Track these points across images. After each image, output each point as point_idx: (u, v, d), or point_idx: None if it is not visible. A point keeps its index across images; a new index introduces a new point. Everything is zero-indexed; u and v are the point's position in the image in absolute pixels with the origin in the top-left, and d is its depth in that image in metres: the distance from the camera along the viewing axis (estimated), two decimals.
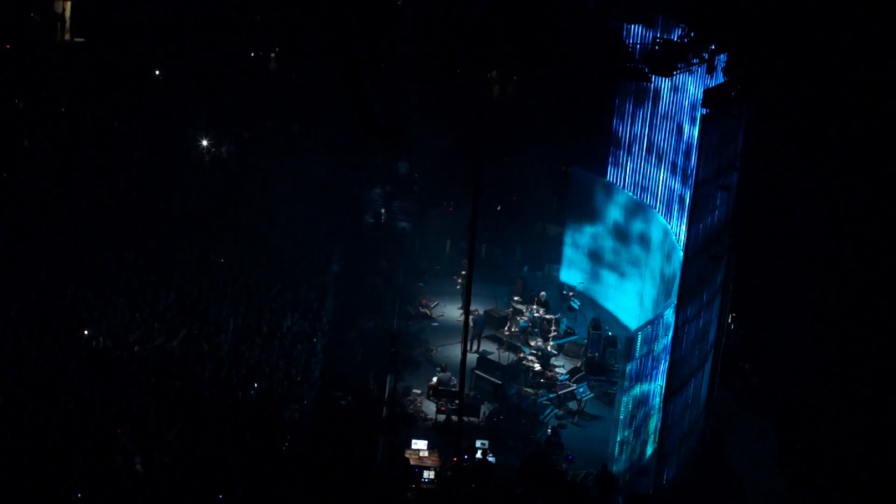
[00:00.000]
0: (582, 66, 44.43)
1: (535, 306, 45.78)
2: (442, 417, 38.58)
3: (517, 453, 37.18)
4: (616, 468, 35.45)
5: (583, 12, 40.55)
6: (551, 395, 40.48)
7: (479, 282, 39.91)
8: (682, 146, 39.84)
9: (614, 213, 46.45)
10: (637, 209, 44.52)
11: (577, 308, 47.17)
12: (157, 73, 55.92)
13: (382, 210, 52.94)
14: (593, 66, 43.58)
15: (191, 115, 54.32)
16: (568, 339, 44.78)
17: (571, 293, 47.80)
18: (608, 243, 47.14)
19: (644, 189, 44.06)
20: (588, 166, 48.24)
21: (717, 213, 36.03)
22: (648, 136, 43.52)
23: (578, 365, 42.78)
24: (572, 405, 40.44)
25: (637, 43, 41.45)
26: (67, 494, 30.30)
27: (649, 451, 37.00)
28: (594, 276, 48.34)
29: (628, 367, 35.22)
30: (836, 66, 35.27)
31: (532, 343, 43.59)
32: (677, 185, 40.25)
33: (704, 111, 33.74)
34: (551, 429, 37.98)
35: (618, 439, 35.61)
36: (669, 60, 34.92)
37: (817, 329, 38.20)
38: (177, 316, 39.88)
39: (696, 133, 35.90)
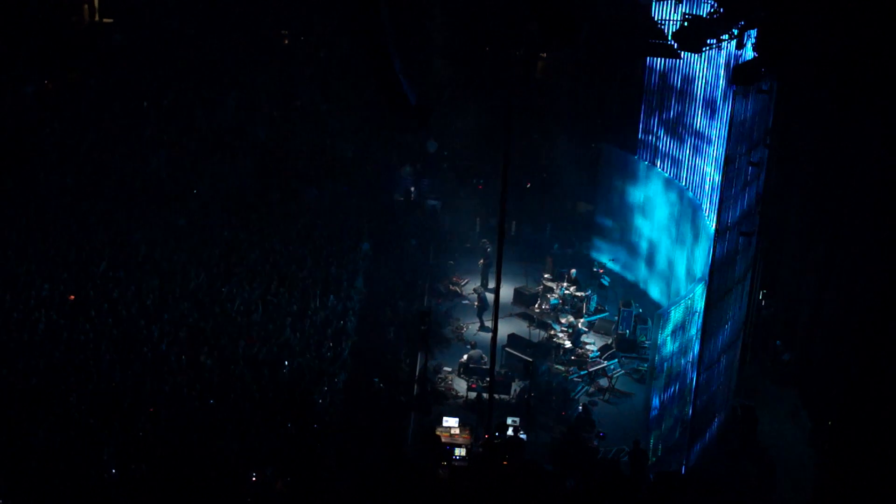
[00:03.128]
0: (611, 42, 44.28)
1: (565, 283, 45.77)
2: (473, 395, 38.67)
3: (548, 430, 37.29)
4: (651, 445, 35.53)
5: None
6: (582, 373, 40.54)
7: (509, 259, 39.95)
8: (713, 122, 39.71)
9: (644, 190, 46.34)
10: (667, 186, 44.40)
11: (607, 285, 47.11)
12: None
13: (412, 188, 52.95)
14: (622, 42, 43.44)
15: (220, 95, 54.39)
16: (598, 316, 44.80)
17: (602, 270, 47.73)
18: (638, 220, 47.04)
19: (674, 165, 43.93)
20: (618, 143, 48.12)
21: (747, 189, 35.94)
22: (678, 113, 43.37)
23: (609, 342, 42.79)
24: (603, 382, 40.49)
25: (666, 19, 41.30)
26: (100, 472, 30.48)
27: (680, 428, 37.01)
28: (624, 253, 48.26)
29: (659, 345, 35.19)
30: (866, 40, 35.07)
31: (562, 320, 43.58)
32: (707, 162, 40.14)
33: (734, 87, 33.62)
34: (582, 406, 38.02)
35: (651, 416, 35.62)
36: (699, 37, 34.77)
37: (849, 305, 38.06)
38: (207, 295, 40.03)
39: (726, 109, 35.77)
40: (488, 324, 43.44)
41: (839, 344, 38.51)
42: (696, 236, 40.41)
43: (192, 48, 56.15)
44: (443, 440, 35.25)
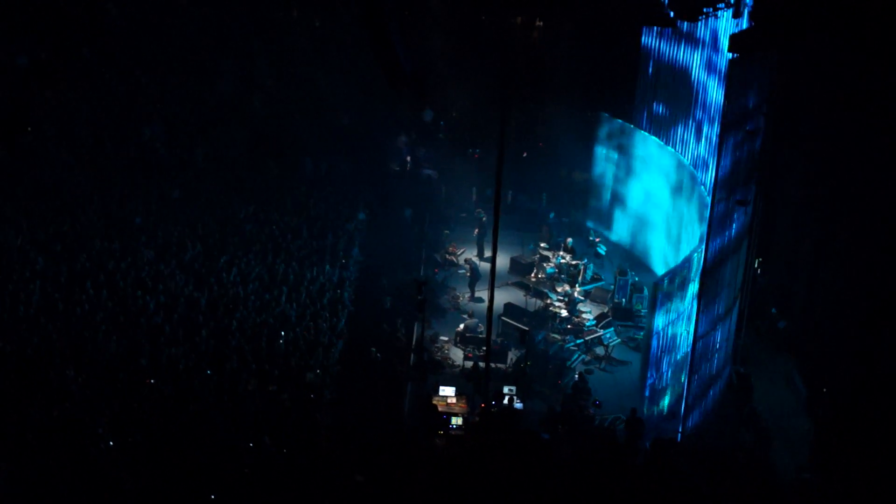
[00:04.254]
0: (607, 10, 44.17)
1: (561, 252, 45.79)
2: (469, 364, 38.72)
3: (544, 399, 37.36)
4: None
5: None
6: (578, 341, 40.59)
7: (506, 228, 39.93)
8: (709, 91, 39.64)
9: (640, 159, 46.28)
10: (663, 154, 44.36)
11: (603, 254, 47.13)
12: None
13: (408, 158, 52.87)
14: (619, 10, 43.34)
15: (215, 65, 54.22)
16: (594, 284, 44.82)
17: (598, 239, 47.75)
18: (634, 189, 47.01)
19: (670, 134, 43.89)
20: (614, 112, 48.04)
21: (743, 157, 35.90)
22: (674, 81, 43.30)
23: (605, 311, 42.83)
24: (599, 351, 40.54)
25: None
26: (97, 444, 30.52)
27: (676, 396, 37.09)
28: (620, 222, 48.25)
29: (655, 314, 35.23)
30: (864, 8, 35.00)
31: (559, 289, 43.64)
32: (704, 131, 40.10)
33: (731, 56, 33.55)
34: (578, 374, 38.11)
35: (647, 383, 35.69)
36: (695, 5, 34.70)
37: (845, 273, 38.10)
38: (204, 266, 40.02)
39: (723, 78, 35.71)
40: (479, 294, 43.55)
41: (834, 311, 38.58)
42: (692, 204, 40.40)
43: (186, 18, 55.88)
44: (439, 409, 35.36)
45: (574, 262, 45.28)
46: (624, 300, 43.41)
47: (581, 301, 43.39)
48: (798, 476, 33.82)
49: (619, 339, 41.26)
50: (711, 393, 37.76)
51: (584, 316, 42.22)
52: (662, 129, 44.53)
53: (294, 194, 46.69)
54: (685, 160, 42.14)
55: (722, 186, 34.36)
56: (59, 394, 32.26)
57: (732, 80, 33.64)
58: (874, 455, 32.98)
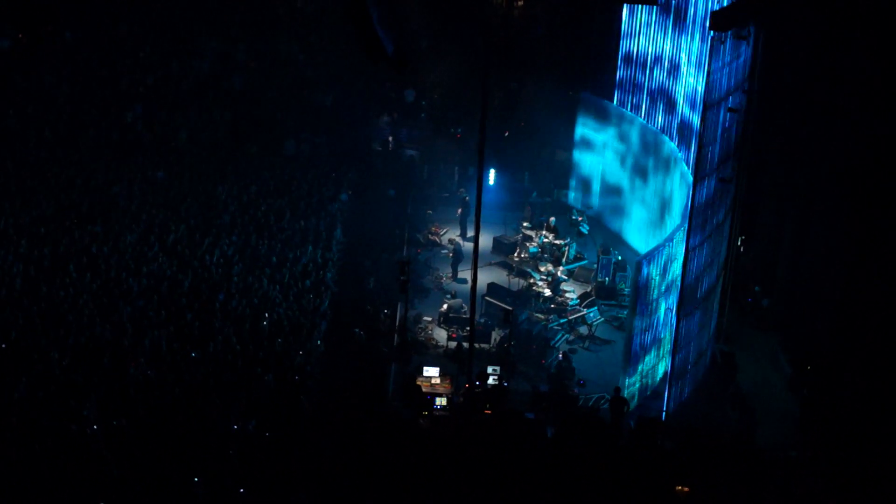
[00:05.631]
0: None
1: (544, 232, 45.76)
2: (453, 344, 38.69)
3: (528, 379, 37.35)
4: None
5: None
6: (562, 321, 40.57)
7: (488, 208, 39.89)
8: (691, 69, 39.60)
9: (622, 137, 46.22)
10: (645, 133, 44.32)
11: (586, 233, 47.11)
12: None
13: (390, 138, 52.80)
14: None
15: (196, 46, 54.05)
16: (578, 264, 44.80)
17: (581, 218, 47.72)
18: (616, 168, 46.95)
19: (652, 112, 43.84)
20: (595, 91, 47.96)
21: (726, 135, 35.88)
22: (656, 59, 43.23)
23: (588, 290, 42.81)
24: (583, 330, 40.54)
25: None
26: (83, 427, 30.45)
27: (661, 374, 37.10)
28: (603, 201, 48.20)
29: (639, 292, 35.23)
30: None
31: (542, 269, 43.61)
32: (686, 108, 40.06)
33: (713, 33, 33.51)
34: (562, 354, 38.09)
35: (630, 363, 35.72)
36: None
37: (828, 251, 38.14)
38: (187, 248, 39.90)
39: (704, 55, 35.66)
40: (462, 275, 43.49)
41: (818, 289, 38.62)
42: (674, 183, 40.38)
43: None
44: (423, 390, 35.33)
45: (557, 242, 45.25)
46: (607, 279, 43.41)
47: (564, 280, 43.40)
48: (783, 454, 33.90)
49: (602, 318, 41.26)
50: (696, 371, 37.78)
51: (567, 295, 42.22)
52: (644, 106, 44.44)
53: (276, 175, 46.57)
54: (668, 139, 42.10)
55: (705, 164, 34.34)
56: (44, 377, 32.15)
57: (714, 58, 33.59)
58: (858, 432, 33.08)
